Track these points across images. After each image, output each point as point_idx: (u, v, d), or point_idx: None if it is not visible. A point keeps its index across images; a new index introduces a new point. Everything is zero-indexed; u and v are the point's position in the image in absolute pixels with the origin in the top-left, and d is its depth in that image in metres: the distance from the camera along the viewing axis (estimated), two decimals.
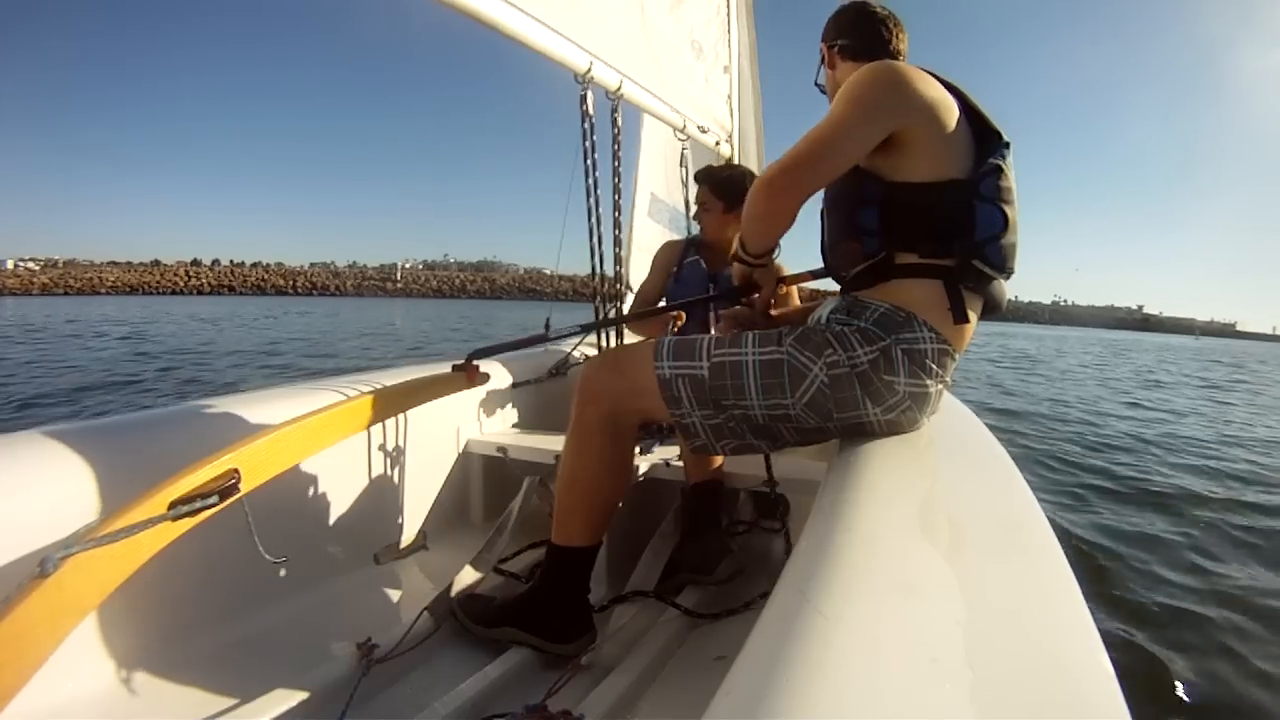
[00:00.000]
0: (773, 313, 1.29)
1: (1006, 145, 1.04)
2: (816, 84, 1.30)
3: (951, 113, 1.01)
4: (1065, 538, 3.07)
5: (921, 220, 1.01)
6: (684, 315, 1.81)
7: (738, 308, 1.31)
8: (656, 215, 3.23)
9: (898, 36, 1.18)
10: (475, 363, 1.40)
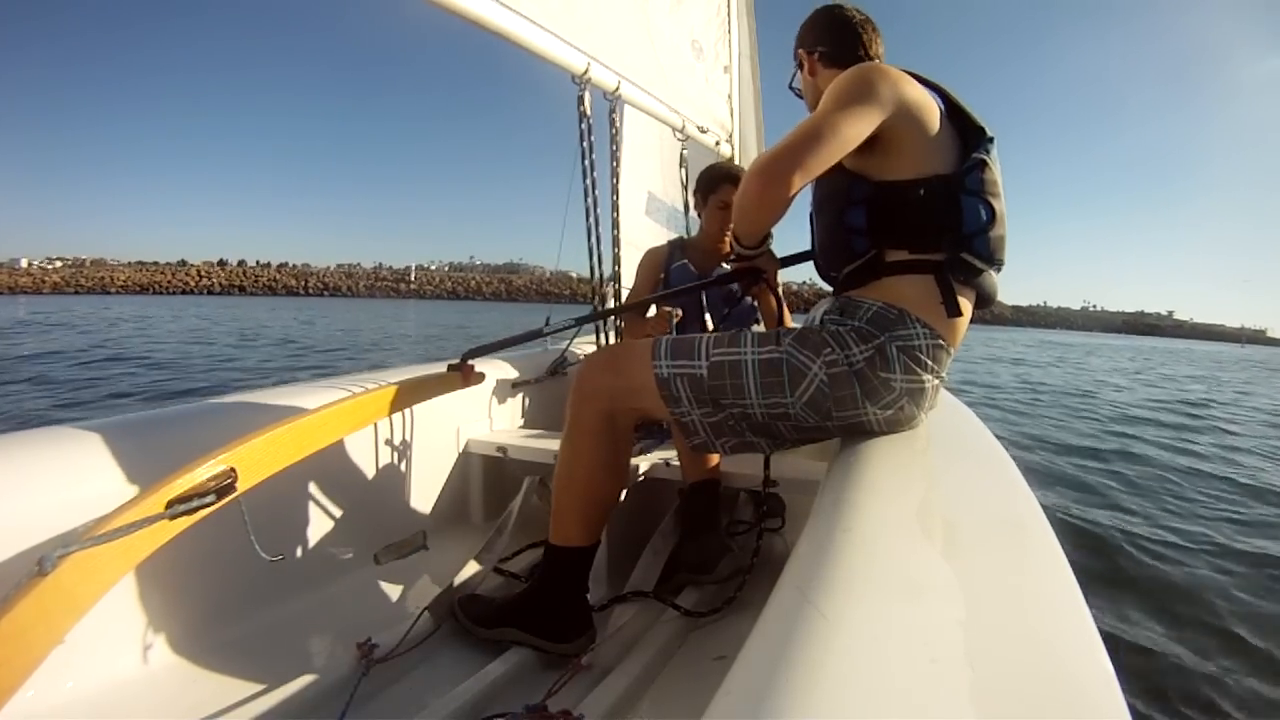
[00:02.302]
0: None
1: (990, 140, 1.06)
2: (791, 87, 1.32)
3: (933, 112, 1.04)
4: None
5: (909, 216, 1.03)
6: (681, 312, 1.81)
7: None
8: (655, 214, 3.23)
9: (875, 42, 1.21)
10: (470, 362, 1.40)
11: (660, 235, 3.13)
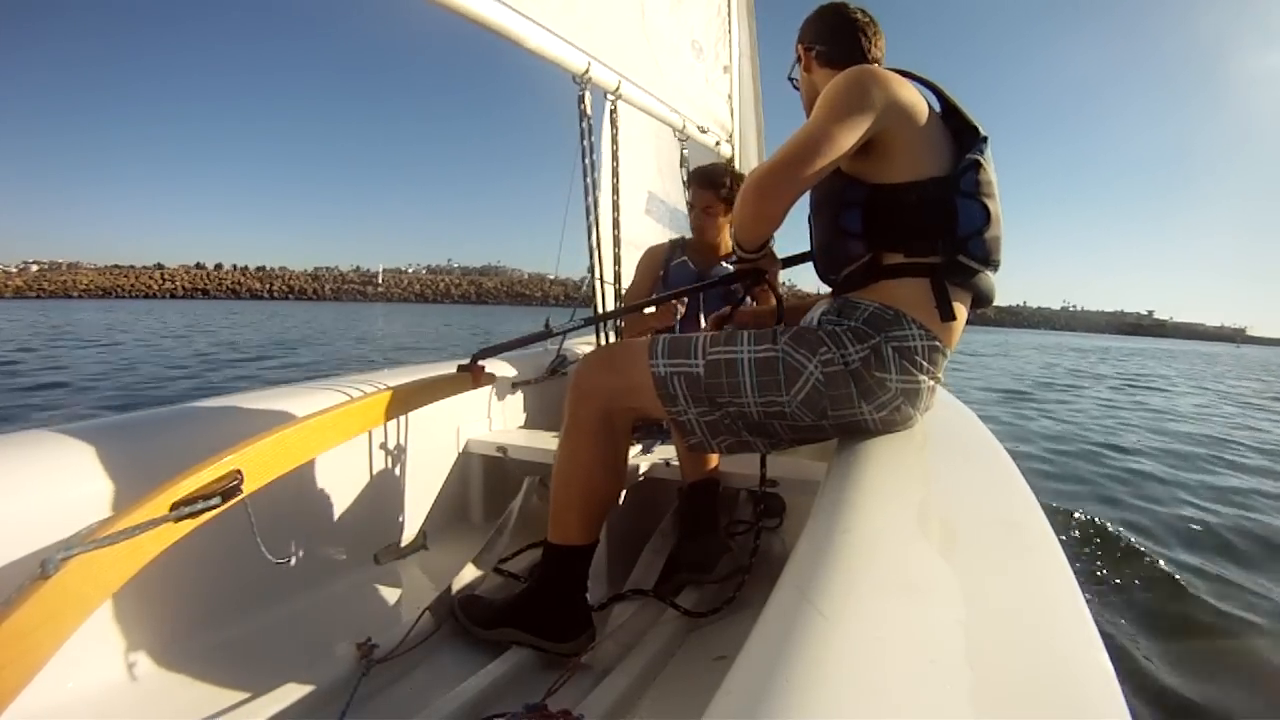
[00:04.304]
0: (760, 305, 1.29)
1: (984, 140, 1.06)
2: (790, 78, 1.32)
3: (926, 113, 1.04)
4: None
5: (904, 219, 1.03)
6: (684, 307, 1.81)
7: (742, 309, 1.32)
8: (655, 214, 3.23)
9: (875, 44, 1.20)
10: (480, 363, 1.40)
11: (661, 235, 3.12)
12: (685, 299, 1.88)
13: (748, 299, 1.87)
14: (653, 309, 1.88)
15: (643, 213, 3.16)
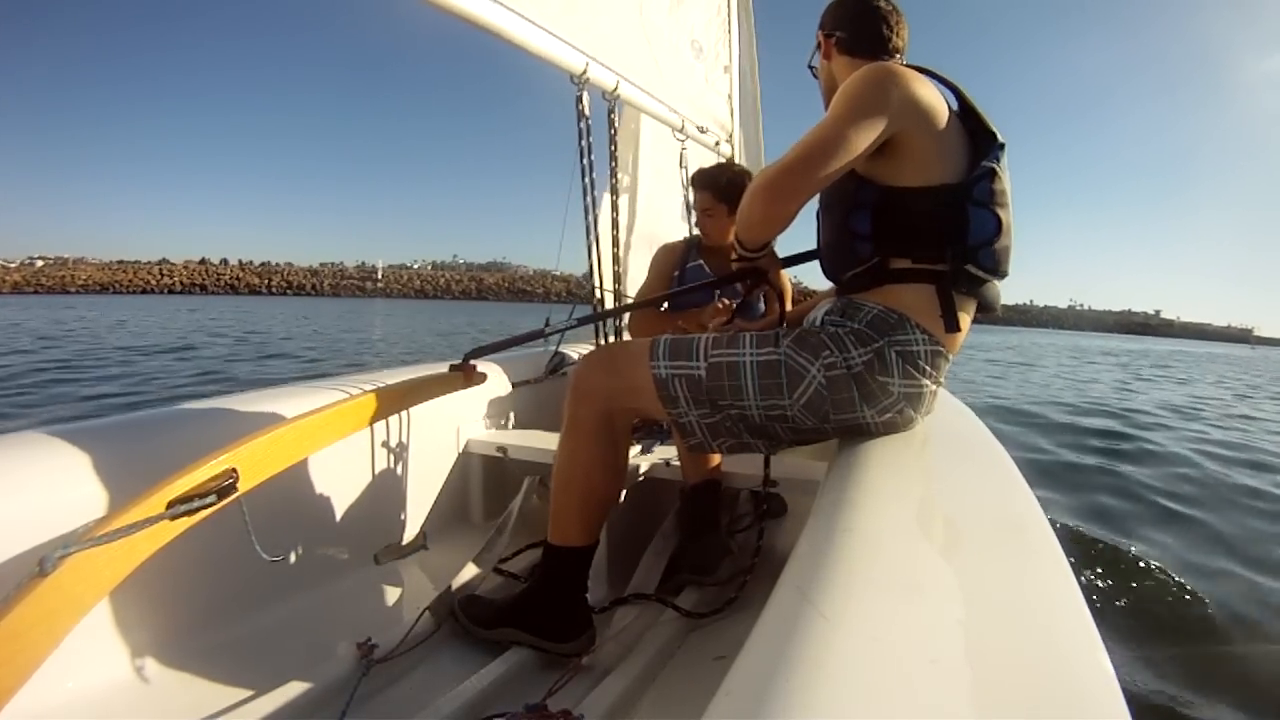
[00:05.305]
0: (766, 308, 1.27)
1: (1001, 147, 1.04)
2: (810, 66, 1.29)
3: (944, 116, 1.01)
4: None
5: (914, 225, 1.02)
6: (735, 306, 1.80)
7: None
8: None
9: (898, 33, 1.16)
10: (472, 362, 1.40)
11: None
12: (728, 299, 1.85)
13: (759, 307, 1.86)
14: (688, 309, 1.87)
15: (678, 218, 3.15)
